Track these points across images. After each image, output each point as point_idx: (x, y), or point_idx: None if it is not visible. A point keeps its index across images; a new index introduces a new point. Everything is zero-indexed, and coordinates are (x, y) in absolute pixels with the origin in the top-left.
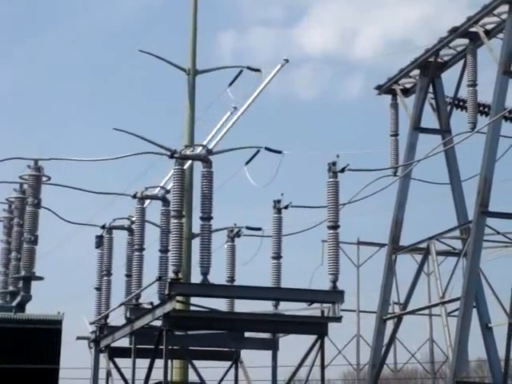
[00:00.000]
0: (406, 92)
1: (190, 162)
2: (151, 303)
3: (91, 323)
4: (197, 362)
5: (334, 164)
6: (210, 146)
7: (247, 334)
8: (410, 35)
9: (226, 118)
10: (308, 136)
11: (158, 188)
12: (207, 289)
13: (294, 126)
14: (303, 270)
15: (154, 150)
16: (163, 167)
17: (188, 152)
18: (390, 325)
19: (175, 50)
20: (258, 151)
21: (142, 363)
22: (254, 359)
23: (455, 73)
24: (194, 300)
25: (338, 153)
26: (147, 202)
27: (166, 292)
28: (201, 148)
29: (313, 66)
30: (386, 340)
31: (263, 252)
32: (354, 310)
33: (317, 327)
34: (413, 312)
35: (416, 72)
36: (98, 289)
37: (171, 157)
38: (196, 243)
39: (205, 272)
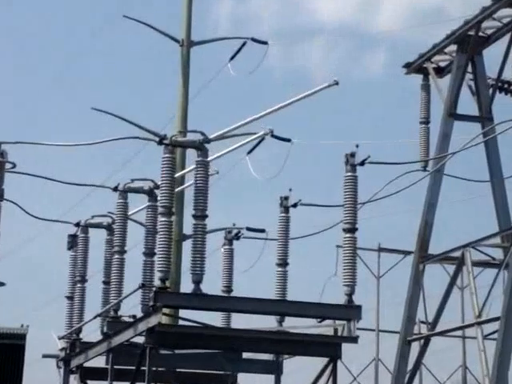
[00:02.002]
0: (441, 71)
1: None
2: (133, 316)
3: (60, 338)
4: None
5: (352, 155)
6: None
7: (246, 355)
8: (443, 4)
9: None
10: (321, 122)
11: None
12: (199, 300)
13: (304, 110)
14: (313, 280)
15: (140, 134)
16: (152, 156)
17: (180, 138)
18: (415, 347)
19: (167, 18)
20: (262, 138)
21: None
22: None
23: (500, 49)
24: (183, 313)
25: (356, 142)
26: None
27: (151, 303)
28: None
29: (326, 38)
30: (410, 365)
31: (266, 258)
32: (373, 329)
33: (328, 348)
34: (443, 333)
35: (453, 48)
36: (70, 297)
37: (160, 143)
38: (187, 246)
39: (197, 280)
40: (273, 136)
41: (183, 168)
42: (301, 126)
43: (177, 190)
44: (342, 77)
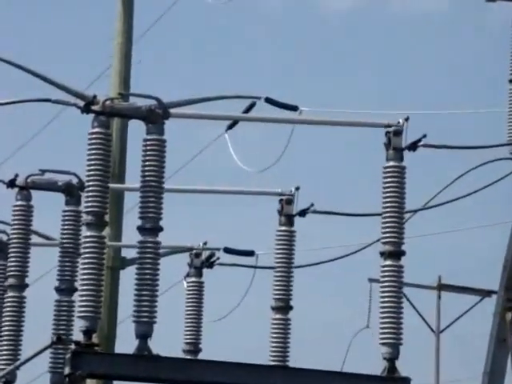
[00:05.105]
0: None
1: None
2: None
3: None
4: None
5: (396, 134)
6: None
7: None
8: None
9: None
10: (345, 83)
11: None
12: (147, 365)
13: (318, 61)
14: (332, 334)
15: (54, 96)
16: (72, 131)
17: (118, 102)
18: None
19: None
20: (252, 105)
21: None
22: None
23: None
24: None
25: (403, 112)
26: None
27: (67, 370)
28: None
29: None
30: None
31: (256, 296)
32: None
33: None
34: None
35: None
36: None
37: (86, 110)
38: (129, 277)
39: (144, 332)
40: (267, 101)
41: (124, 150)
42: (314, 90)
43: (112, 186)
44: (376, 10)
